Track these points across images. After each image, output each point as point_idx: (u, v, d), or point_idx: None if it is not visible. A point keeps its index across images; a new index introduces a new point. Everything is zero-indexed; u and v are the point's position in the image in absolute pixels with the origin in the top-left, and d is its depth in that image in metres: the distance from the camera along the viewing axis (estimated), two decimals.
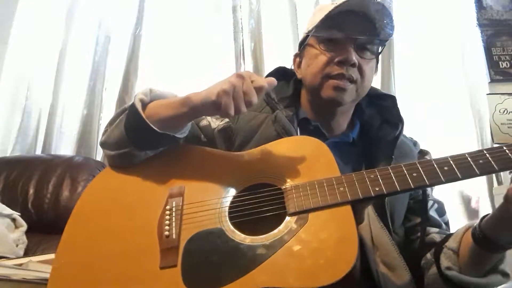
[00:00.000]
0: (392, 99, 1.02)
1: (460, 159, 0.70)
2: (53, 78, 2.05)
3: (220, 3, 2.17)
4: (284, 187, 0.75)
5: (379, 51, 0.97)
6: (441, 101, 2.02)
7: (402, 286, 0.80)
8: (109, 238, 0.75)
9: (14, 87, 2.04)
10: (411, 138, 1.05)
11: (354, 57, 0.90)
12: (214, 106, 0.74)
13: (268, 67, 2.04)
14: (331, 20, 0.91)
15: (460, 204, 1.89)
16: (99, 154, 1.99)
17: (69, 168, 1.67)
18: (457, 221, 1.85)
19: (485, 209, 1.89)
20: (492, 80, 2.06)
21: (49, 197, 1.60)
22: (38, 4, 2.12)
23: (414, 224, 0.94)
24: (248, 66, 2.06)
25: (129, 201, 0.81)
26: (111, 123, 0.87)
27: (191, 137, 0.91)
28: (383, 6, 0.91)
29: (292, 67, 1.05)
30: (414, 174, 0.70)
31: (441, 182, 0.69)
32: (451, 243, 0.80)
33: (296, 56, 1.04)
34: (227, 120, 0.96)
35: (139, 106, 0.80)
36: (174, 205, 0.77)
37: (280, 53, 2.08)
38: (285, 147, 0.84)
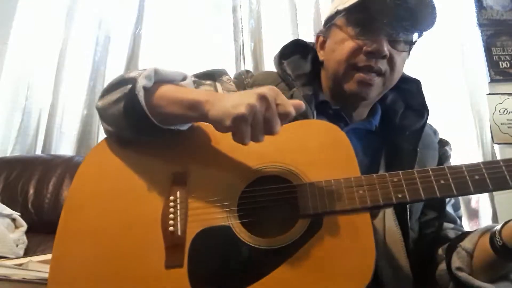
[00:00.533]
0: (417, 83, 0.94)
1: (493, 167, 0.64)
2: (53, 78, 2.04)
3: (220, 3, 2.17)
4: (297, 183, 0.69)
5: (415, 40, 0.87)
6: (441, 101, 2.02)
7: (402, 283, 0.78)
8: (108, 228, 0.69)
9: (14, 87, 2.03)
10: (430, 126, 0.97)
11: (386, 49, 0.80)
12: (227, 130, 0.63)
13: (268, 67, 2.04)
14: (363, 3, 0.81)
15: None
16: None
17: (69, 168, 1.67)
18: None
19: (485, 209, 1.89)
20: (492, 80, 2.06)
21: (49, 197, 1.60)
22: (38, 4, 2.12)
23: (429, 218, 0.87)
24: (248, 66, 2.06)
25: (128, 184, 0.73)
26: (108, 90, 0.76)
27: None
28: None
29: (314, 46, 0.95)
30: (442, 182, 0.64)
31: (470, 193, 0.65)
32: (466, 244, 0.77)
33: (319, 34, 0.93)
34: None
35: (141, 96, 0.69)
36: (178, 196, 0.70)
37: None
38: (301, 132, 0.74)
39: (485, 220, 1.87)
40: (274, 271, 0.61)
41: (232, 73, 0.95)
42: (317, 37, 0.94)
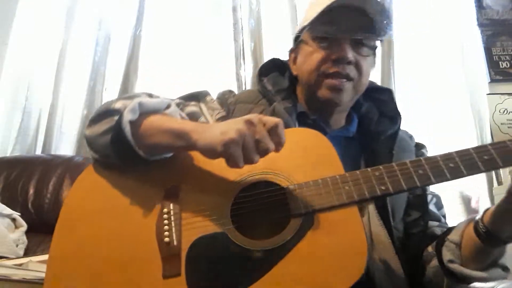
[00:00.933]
0: (389, 92, 1.01)
1: (465, 155, 0.69)
2: (53, 78, 2.04)
3: (220, 3, 2.17)
4: (286, 186, 0.72)
5: (376, 45, 0.94)
6: (441, 101, 2.02)
7: (395, 283, 0.81)
8: (103, 245, 0.70)
9: (14, 87, 2.03)
10: (406, 132, 1.04)
11: (351, 55, 0.87)
12: (219, 156, 0.65)
13: None
14: (326, 16, 0.87)
15: (460, 204, 1.88)
16: None
17: (69, 168, 1.67)
18: (457, 221, 1.85)
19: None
20: (492, 80, 2.06)
21: (49, 197, 1.60)
22: (38, 4, 2.12)
23: (414, 218, 0.92)
24: (248, 66, 2.06)
25: (120, 203, 0.74)
26: (95, 120, 0.79)
27: None
28: (380, 2, 0.90)
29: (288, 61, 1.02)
30: (420, 172, 0.69)
31: (446, 180, 0.69)
32: (453, 236, 0.80)
33: (291, 51, 1.01)
34: (223, 113, 0.93)
35: (128, 131, 0.71)
36: (171, 208, 0.72)
37: (280, 53, 2.07)
38: (286, 140, 0.77)
39: None
40: (270, 271, 0.62)
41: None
42: (289, 54, 1.01)
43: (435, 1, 2.13)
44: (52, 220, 1.61)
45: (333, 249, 0.64)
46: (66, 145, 2.02)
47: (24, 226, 1.49)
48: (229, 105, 0.96)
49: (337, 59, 0.87)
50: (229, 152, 0.63)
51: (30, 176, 1.64)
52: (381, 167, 0.71)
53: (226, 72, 2.07)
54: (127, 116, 0.72)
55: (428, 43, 2.06)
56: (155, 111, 0.76)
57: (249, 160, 0.64)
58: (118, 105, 0.76)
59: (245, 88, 2.03)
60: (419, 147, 1.02)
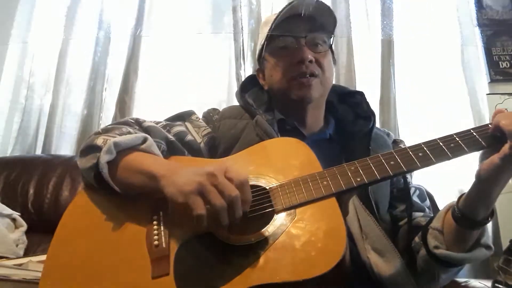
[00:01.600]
0: (361, 94, 1.08)
1: (432, 144, 0.74)
2: (53, 78, 2.04)
3: (220, 3, 2.17)
4: (269, 187, 0.77)
5: (331, 43, 1.03)
6: (441, 101, 2.02)
7: (392, 269, 0.84)
8: (96, 253, 0.74)
9: (14, 87, 2.03)
10: (384, 130, 1.11)
11: (309, 54, 0.97)
12: (181, 206, 0.68)
13: None
14: (277, 30, 0.99)
15: None
16: None
17: (69, 168, 1.67)
18: None
19: None
20: (492, 80, 2.06)
21: (49, 197, 1.60)
22: (38, 4, 2.12)
23: (399, 210, 1.00)
24: (248, 66, 2.06)
25: (112, 217, 0.79)
26: (82, 153, 0.84)
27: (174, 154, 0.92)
28: (318, 2, 0.98)
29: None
30: (392, 162, 0.74)
31: (417, 168, 0.73)
32: (435, 223, 0.85)
33: (258, 71, 1.12)
34: (208, 130, 1.00)
35: (105, 173, 0.77)
36: (161, 215, 0.76)
37: None
38: (266, 149, 0.86)
39: None
40: (254, 262, 0.66)
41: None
42: (257, 74, 1.12)
43: (435, 1, 2.13)
44: (52, 220, 1.61)
45: (313, 236, 0.67)
46: (66, 145, 2.02)
47: (24, 226, 1.49)
48: (214, 122, 1.03)
49: (299, 61, 0.97)
50: (189, 202, 0.66)
51: (30, 176, 1.64)
52: (355, 162, 0.77)
53: (226, 72, 2.07)
54: (104, 158, 0.77)
55: (428, 43, 2.06)
56: (132, 148, 0.81)
57: (213, 210, 0.66)
58: (99, 141, 0.81)
59: None
60: (397, 142, 1.08)
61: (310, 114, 1.03)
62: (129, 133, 0.86)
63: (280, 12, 0.99)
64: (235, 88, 2.03)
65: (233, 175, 0.68)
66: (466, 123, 2.01)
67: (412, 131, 1.97)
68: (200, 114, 1.08)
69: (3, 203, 1.51)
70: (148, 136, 0.85)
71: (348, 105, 1.08)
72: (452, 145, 0.74)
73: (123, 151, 0.80)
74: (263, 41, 1.03)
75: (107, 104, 2.07)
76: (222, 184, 0.66)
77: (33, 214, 1.57)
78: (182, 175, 0.70)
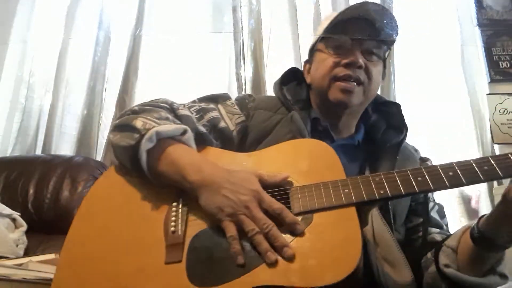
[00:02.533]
0: (397, 106, 1.04)
1: (465, 165, 0.70)
2: (53, 78, 2.04)
3: (220, 3, 2.17)
4: (289, 188, 0.76)
5: (386, 55, 1.00)
6: (441, 101, 2.02)
7: (402, 282, 0.80)
8: (115, 232, 0.76)
9: (14, 87, 2.03)
10: (413, 146, 1.07)
11: (361, 60, 0.92)
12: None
13: (268, 67, 2.04)
14: (337, 28, 0.95)
15: (460, 204, 1.88)
16: (99, 154, 1.99)
17: (69, 168, 1.67)
18: (457, 221, 1.85)
19: (485, 209, 1.89)
20: (492, 80, 2.06)
21: (49, 197, 1.60)
22: (38, 4, 2.12)
23: (415, 224, 0.95)
24: (248, 66, 2.06)
25: (135, 199, 0.80)
26: (119, 128, 0.84)
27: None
28: (382, 8, 0.95)
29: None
30: (419, 179, 0.71)
31: (445, 187, 0.70)
32: (450, 242, 0.82)
33: (306, 63, 1.08)
34: (242, 118, 0.98)
35: (144, 161, 0.77)
36: (180, 203, 0.77)
37: (280, 53, 2.08)
38: (293, 149, 0.85)
39: None
40: (265, 263, 0.65)
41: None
42: (304, 65, 1.08)
43: (435, 1, 2.13)
44: (52, 220, 1.63)
45: (328, 244, 0.66)
46: (66, 145, 2.02)
47: (24, 226, 1.49)
48: (249, 109, 1.00)
49: (349, 63, 0.92)
50: (223, 224, 0.69)
51: (30, 176, 1.64)
52: (381, 173, 0.74)
53: (226, 72, 2.07)
54: (145, 145, 0.77)
55: (428, 43, 2.06)
56: (171, 138, 0.81)
57: (248, 236, 0.67)
58: (138, 123, 0.80)
59: (245, 88, 2.03)
60: (424, 160, 1.05)
61: (344, 120, 1.00)
62: (167, 119, 0.85)
63: (344, 11, 0.95)
64: (235, 88, 2.03)
65: (267, 205, 0.70)
66: (466, 123, 2.02)
67: (412, 131, 1.96)
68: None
69: (3, 203, 1.51)
70: (188, 129, 0.84)
71: (381, 114, 1.04)
72: (485, 167, 0.69)
73: (163, 139, 0.80)
74: (320, 34, 1.00)
75: (107, 104, 2.07)
76: (256, 216, 0.68)
77: (33, 214, 1.57)
78: (216, 191, 0.72)
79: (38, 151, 1.98)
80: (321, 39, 0.99)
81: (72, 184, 1.62)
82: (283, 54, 2.07)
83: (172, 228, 0.72)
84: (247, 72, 2.05)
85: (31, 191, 1.61)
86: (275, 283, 0.62)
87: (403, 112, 1.01)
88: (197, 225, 0.73)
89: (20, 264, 0.99)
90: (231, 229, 0.68)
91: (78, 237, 0.77)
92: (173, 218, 0.74)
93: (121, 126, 0.83)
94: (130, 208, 0.79)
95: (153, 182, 0.79)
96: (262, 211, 0.69)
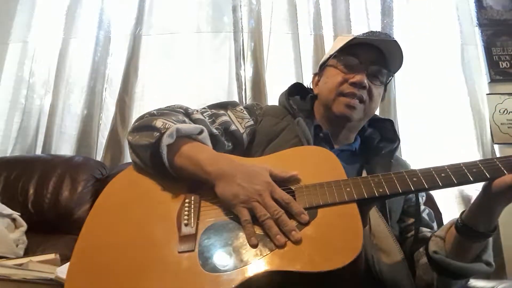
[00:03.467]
0: (391, 122, 1.16)
1: (456, 168, 0.78)
2: (53, 78, 2.04)
3: (220, 3, 2.17)
4: (295, 187, 0.82)
5: (387, 81, 1.10)
6: (441, 101, 2.02)
7: (393, 265, 0.90)
8: (130, 225, 0.80)
9: (14, 87, 2.03)
10: (405, 160, 1.19)
11: (366, 81, 1.03)
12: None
13: (268, 67, 2.04)
14: (350, 49, 1.07)
15: (460, 204, 1.88)
16: (99, 154, 1.99)
17: (69, 168, 1.67)
18: None
19: None
20: (492, 80, 2.06)
21: (49, 197, 1.60)
22: (38, 4, 2.12)
23: (408, 224, 1.05)
24: (248, 66, 2.06)
25: (150, 195, 0.85)
26: (137, 129, 0.90)
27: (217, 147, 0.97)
28: (395, 43, 1.05)
29: (310, 85, 1.19)
30: (415, 179, 0.78)
31: (438, 187, 0.77)
32: (439, 232, 0.91)
33: (315, 75, 1.19)
34: (251, 122, 1.07)
35: (164, 154, 0.82)
36: (193, 199, 0.82)
37: (280, 53, 2.08)
38: (297, 154, 0.93)
39: None
40: (275, 250, 0.70)
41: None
42: (313, 77, 1.19)
43: (435, 1, 2.13)
44: (52, 220, 1.63)
45: (332, 233, 0.73)
46: (66, 145, 2.02)
47: (24, 226, 1.49)
48: (257, 115, 1.10)
49: (355, 82, 1.03)
50: (237, 209, 0.76)
51: (30, 176, 1.64)
52: (379, 174, 0.81)
53: (226, 72, 2.07)
54: (166, 141, 0.83)
55: (428, 43, 2.06)
56: (189, 135, 0.88)
57: (260, 222, 0.74)
58: (158, 123, 0.86)
59: (245, 88, 2.03)
60: None
61: (344, 133, 1.10)
62: (184, 121, 0.92)
63: (359, 35, 1.07)
64: (235, 88, 2.03)
65: (278, 195, 0.76)
66: (466, 123, 2.01)
67: (412, 131, 1.97)
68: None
69: (3, 203, 1.51)
70: (204, 129, 0.91)
71: (376, 128, 1.16)
72: (474, 170, 0.76)
73: (181, 137, 0.86)
74: (334, 52, 1.10)
75: (107, 104, 2.07)
76: (268, 204, 0.75)
77: (33, 214, 1.57)
78: (232, 181, 0.78)
79: (38, 151, 1.98)
80: (334, 56, 1.10)
81: (72, 184, 1.63)
82: (283, 54, 2.07)
83: (185, 221, 0.77)
84: (247, 72, 2.05)
85: (31, 191, 1.61)
86: (286, 268, 0.67)
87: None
88: (208, 220, 0.78)
89: (20, 264, 0.99)
90: (245, 214, 0.75)
91: (94, 228, 0.82)
92: (186, 213, 0.79)
93: (141, 127, 0.90)
94: (144, 204, 0.84)
95: (173, 175, 0.85)
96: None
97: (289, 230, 0.72)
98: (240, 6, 2.14)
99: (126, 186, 0.90)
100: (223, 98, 1.98)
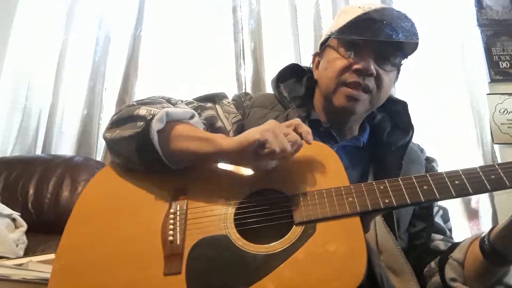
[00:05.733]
0: (404, 105, 0.98)
1: (471, 174, 0.67)
2: (53, 78, 2.04)
3: (220, 3, 2.17)
4: (291, 194, 0.73)
5: (401, 62, 0.93)
6: (441, 101, 2.02)
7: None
8: (110, 240, 0.73)
9: (14, 87, 2.03)
10: (418, 145, 1.03)
11: (373, 67, 0.86)
12: (244, 153, 0.70)
13: (268, 67, 2.04)
14: (355, 26, 0.88)
15: (460, 204, 1.88)
16: (99, 154, 1.99)
17: (69, 168, 1.67)
18: (457, 222, 1.85)
19: (485, 209, 1.89)
20: (492, 80, 2.06)
21: (49, 197, 1.60)
22: (38, 4, 2.12)
23: (418, 229, 0.92)
24: (248, 66, 2.06)
25: (131, 202, 0.78)
26: (117, 123, 0.81)
27: None
28: (405, 15, 0.89)
29: (310, 66, 1.02)
30: (425, 187, 0.68)
31: (451, 197, 0.68)
32: (457, 254, 0.79)
33: (315, 55, 1.01)
34: (239, 117, 0.96)
35: (156, 141, 0.73)
36: (178, 209, 0.74)
37: (280, 53, 2.08)
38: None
39: (485, 220, 1.87)
40: (267, 276, 0.63)
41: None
42: (313, 57, 1.01)
43: (435, 1, 2.13)
44: (52, 220, 1.63)
45: (332, 257, 0.64)
46: (66, 145, 2.02)
47: (24, 226, 1.49)
48: (245, 108, 0.98)
49: (359, 69, 0.86)
50: (266, 138, 0.68)
51: (30, 176, 1.64)
52: (386, 181, 0.71)
53: (226, 72, 2.07)
54: (156, 126, 0.73)
55: (428, 43, 2.06)
56: (180, 120, 0.78)
57: (281, 148, 0.68)
58: (142, 111, 0.77)
59: (245, 88, 2.03)
60: (430, 160, 1.01)
61: (348, 125, 0.96)
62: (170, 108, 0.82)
63: (367, 11, 0.87)
64: (235, 88, 2.03)
65: (287, 124, 0.74)
66: (466, 123, 2.02)
67: None
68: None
69: (3, 203, 1.51)
70: (195, 113, 0.83)
71: (387, 112, 1.00)
72: (492, 176, 0.66)
73: (171, 122, 0.77)
74: (335, 29, 0.92)
75: (107, 104, 2.07)
76: (283, 126, 0.72)
77: (33, 214, 1.57)
78: (243, 133, 0.72)
79: (38, 151, 1.98)
80: (336, 34, 0.92)
81: (72, 184, 1.62)
82: (283, 55, 2.07)
83: (170, 238, 0.70)
84: (247, 72, 2.05)
85: (31, 191, 1.61)
86: None
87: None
88: (196, 233, 0.70)
89: (20, 264, 0.99)
90: (274, 142, 0.68)
91: (71, 245, 0.74)
92: (171, 227, 0.71)
93: (120, 120, 0.80)
94: (125, 212, 0.76)
95: (166, 165, 0.76)
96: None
97: (305, 133, 0.72)
98: (240, 6, 2.14)
99: (102, 194, 0.81)
100: None
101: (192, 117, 0.81)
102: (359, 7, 0.89)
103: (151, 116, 0.74)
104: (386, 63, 0.89)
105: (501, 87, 2.06)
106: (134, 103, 0.84)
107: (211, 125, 0.92)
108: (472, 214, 1.92)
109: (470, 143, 1.99)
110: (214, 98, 0.98)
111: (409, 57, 0.93)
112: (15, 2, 2.09)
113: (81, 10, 2.13)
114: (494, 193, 1.85)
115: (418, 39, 0.90)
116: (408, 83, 2.04)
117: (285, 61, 2.03)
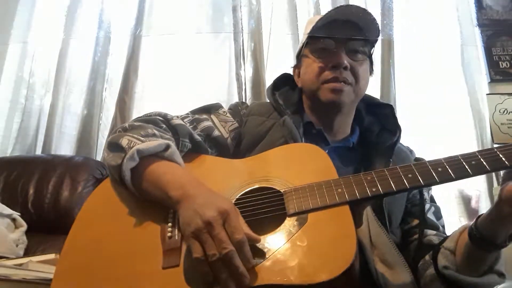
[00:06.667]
0: (390, 108, 1.06)
1: (453, 161, 0.72)
2: (53, 78, 2.04)
3: (220, 3, 2.17)
4: (284, 190, 0.77)
5: (371, 52, 1.02)
6: (441, 101, 2.02)
7: (402, 284, 0.80)
8: (113, 240, 0.77)
9: (14, 87, 2.03)
10: (408, 147, 1.09)
11: (346, 61, 0.94)
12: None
13: (268, 67, 2.04)
14: (320, 31, 0.98)
15: (459, 204, 1.88)
16: (99, 154, 1.99)
17: (69, 168, 1.67)
18: (457, 221, 1.85)
19: (485, 209, 1.88)
20: (492, 80, 2.06)
21: (49, 197, 1.60)
22: (38, 4, 2.12)
23: (411, 226, 0.97)
24: (248, 66, 2.06)
25: (133, 206, 0.82)
26: (109, 147, 0.85)
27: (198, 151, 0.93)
28: (364, 10, 0.97)
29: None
30: (410, 175, 0.72)
31: (435, 183, 0.72)
32: (448, 243, 0.82)
33: (295, 67, 1.10)
34: (236, 125, 1.01)
35: (128, 179, 0.79)
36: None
37: (280, 53, 2.08)
38: (286, 153, 0.88)
39: None
40: (261, 263, 0.65)
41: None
42: (293, 70, 1.10)
43: (435, 1, 2.13)
44: (52, 220, 1.63)
45: (323, 241, 0.67)
46: (66, 145, 2.02)
47: (24, 226, 1.49)
48: (242, 116, 1.03)
49: (334, 65, 0.95)
50: (189, 243, 0.66)
51: (30, 176, 1.65)
52: (372, 172, 0.76)
53: (226, 72, 2.07)
54: (127, 164, 0.78)
55: (428, 43, 2.06)
56: (154, 155, 0.81)
57: (208, 259, 0.64)
58: (124, 142, 0.81)
59: (245, 88, 2.03)
60: (419, 160, 1.01)
61: (338, 120, 1.01)
62: (154, 135, 0.86)
63: (326, 14, 0.98)
64: (235, 88, 2.03)
65: (231, 229, 0.65)
66: (466, 123, 2.02)
67: (412, 131, 1.97)
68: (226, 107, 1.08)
69: (3, 203, 1.51)
70: (171, 144, 0.84)
71: (375, 116, 1.06)
72: (473, 162, 0.70)
73: (146, 157, 0.80)
74: (304, 39, 1.03)
75: (107, 104, 2.07)
76: (217, 237, 0.64)
77: (33, 214, 1.57)
78: (190, 207, 0.70)
79: (38, 151, 1.98)
80: (306, 44, 1.02)
81: (72, 184, 1.63)
82: (283, 55, 2.07)
83: (169, 234, 0.73)
84: (247, 72, 2.05)
85: (31, 191, 1.61)
86: (274, 281, 0.63)
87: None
88: None
89: (20, 264, 0.99)
90: (196, 249, 0.64)
91: (76, 245, 0.78)
92: (170, 224, 0.75)
93: (111, 144, 0.84)
94: (127, 216, 0.80)
95: (141, 199, 0.81)
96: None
97: (238, 275, 0.61)
98: (240, 6, 2.14)
99: (107, 199, 0.85)
100: (223, 98, 1.98)
101: (166, 148, 0.82)
102: (320, 15, 1.00)
103: (127, 151, 0.79)
104: (356, 55, 0.97)
105: (501, 87, 2.06)
106: (126, 125, 0.88)
107: (207, 136, 0.96)
108: (472, 214, 1.92)
109: (470, 143, 1.99)
110: (210, 109, 1.03)
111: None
112: (16, 2, 2.09)
113: (81, 10, 2.13)
114: (494, 193, 1.85)
115: (377, 24, 0.98)
116: (409, 83, 2.04)
117: (285, 61, 2.04)
